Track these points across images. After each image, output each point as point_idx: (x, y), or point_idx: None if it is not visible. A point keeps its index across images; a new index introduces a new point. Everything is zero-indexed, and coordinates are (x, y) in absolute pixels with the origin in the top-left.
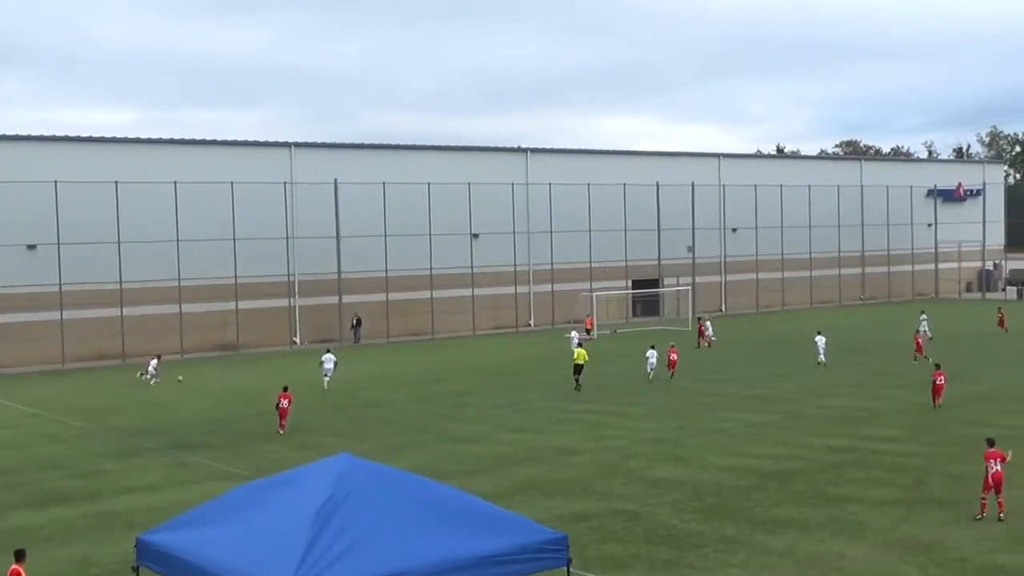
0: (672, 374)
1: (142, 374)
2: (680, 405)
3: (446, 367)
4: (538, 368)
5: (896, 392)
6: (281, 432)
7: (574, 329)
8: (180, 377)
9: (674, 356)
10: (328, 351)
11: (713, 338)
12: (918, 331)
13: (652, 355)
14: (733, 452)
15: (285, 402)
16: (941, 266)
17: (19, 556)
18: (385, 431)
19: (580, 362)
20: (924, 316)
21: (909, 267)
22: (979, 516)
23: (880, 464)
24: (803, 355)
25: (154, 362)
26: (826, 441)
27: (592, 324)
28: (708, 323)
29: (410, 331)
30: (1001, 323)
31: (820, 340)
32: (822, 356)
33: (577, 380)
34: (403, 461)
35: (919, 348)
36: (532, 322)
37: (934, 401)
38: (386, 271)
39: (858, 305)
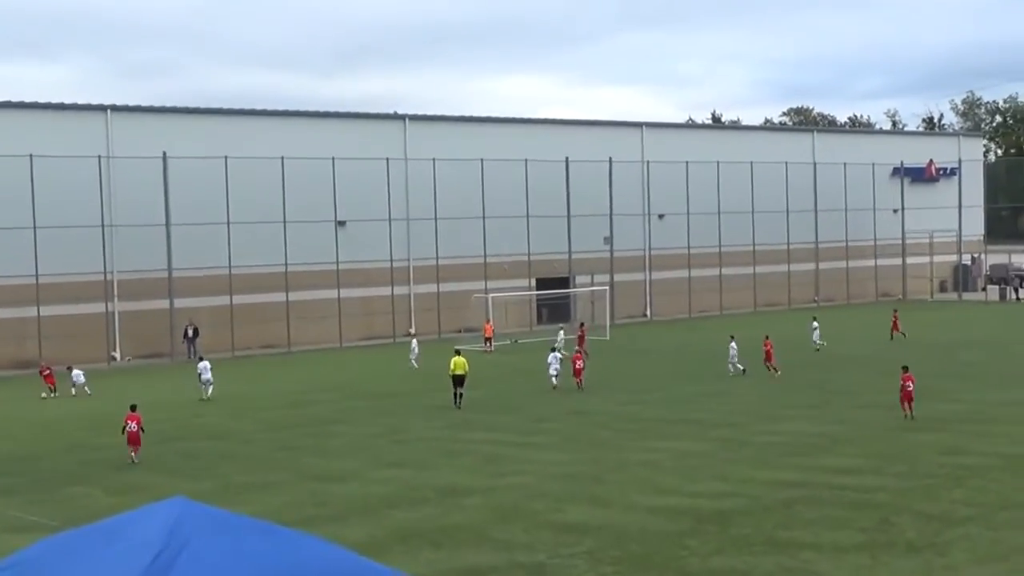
0: (579, 383)
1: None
2: (596, 432)
3: (306, 387)
4: (421, 388)
5: (858, 414)
6: (134, 461)
7: (415, 339)
8: (87, 390)
9: (579, 364)
10: (202, 358)
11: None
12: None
13: (554, 359)
14: (662, 489)
15: (134, 424)
16: (910, 261)
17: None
18: (229, 468)
19: (459, 372)
20: (816, 325)
21: (871, 262)
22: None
23: (839, 501)
24: (751, 371)
25: (81, 375)
26: (774, 474)
27: (491, 331)
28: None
29: (261, 342)
30: (895, 327)
31: (733, 347)
32: (734, 362)
33: (458, 395)
34: (252, 505)
35: (769, 357)
36: (413, 331)
37: (905, 408)
38: (229, 268)
39: (811, 308)
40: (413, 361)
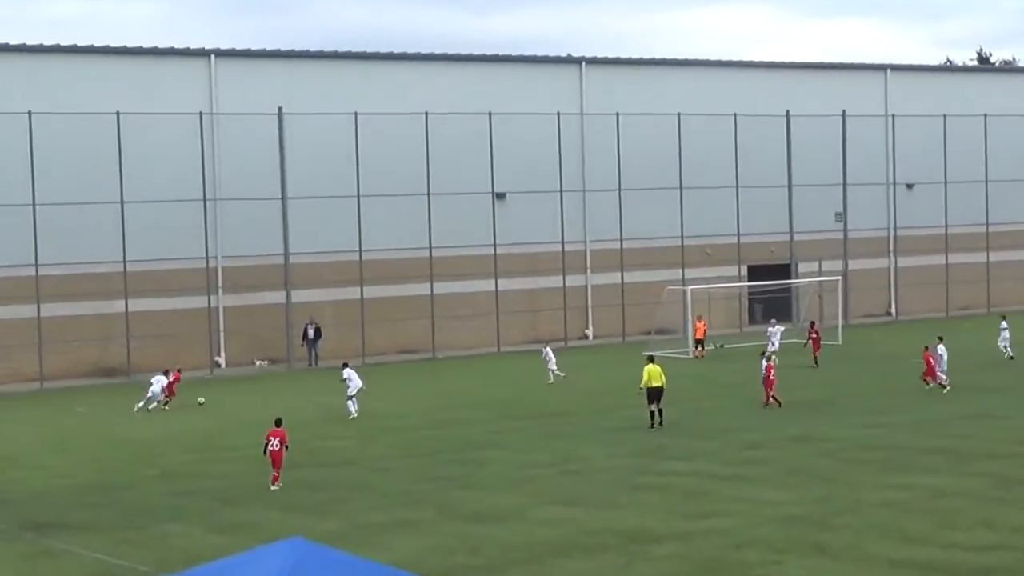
0: (771, 399)
1: (150, 403)
2: (824, 463)
3: (454, 402)
4: (598, 404)
5: None
6: (275, 487)
7: (549, 345)
8: (201, 399)
9: (771, 376)
10: (346, 364)
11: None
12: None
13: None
14: (908, 538)
15: (276, 442)
16: None
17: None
18: (358, 503)
19: (655, 384)
20: (1005, 325)
21: None
22: None
23: None
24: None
25: (162, 380)
26: None
27: (704, 332)
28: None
29: (397, 346)
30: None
31: (942, 350)
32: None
33: (657, 412)
34: (386, 550)
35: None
36: (590, 332)
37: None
38: (359, 252)
39: None
40: (552, 371)
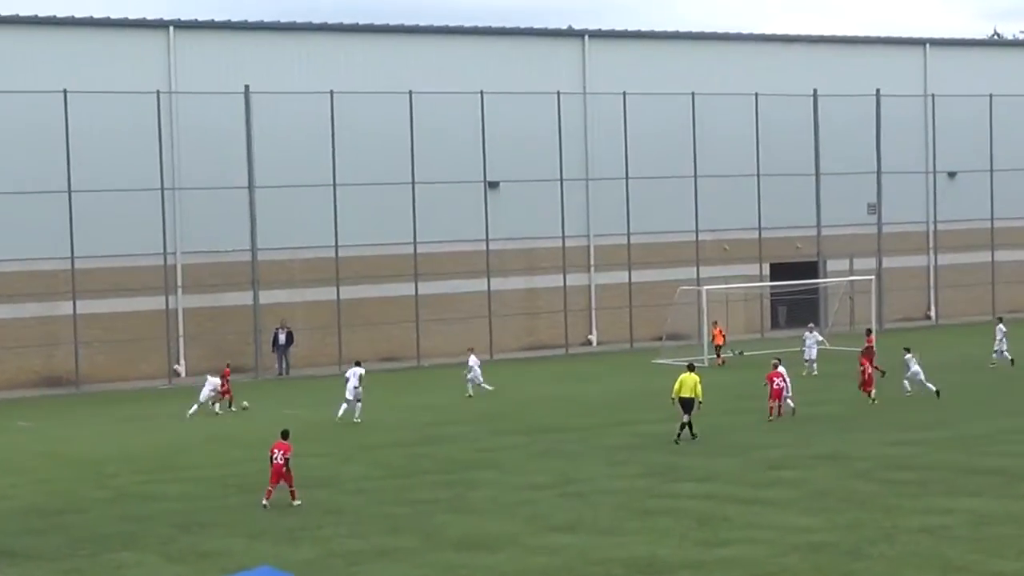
0: (778, 410)
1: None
2: (856, 485)
3: (441, 416)
4: (602, 419)
5: None
6: (265, 505)
7: (474, 353)
8: (245, 403)
9: (779, 383)
10: (359, 363)
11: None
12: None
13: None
14: (951, 567)
15: (280, 455)
16: None
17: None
18: (335, 529)
19: (688, 395)
20: (1003, 329)
21: None
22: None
23: None
24: None
25: (215, 382)
26: None
27: (723, 338)
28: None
29: (378, 353)
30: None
31: (910, 360)
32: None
33: (686, 426)
34: None
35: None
36: (594, 337)
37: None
38: (335, 248)
39: None
40: (471, 384)
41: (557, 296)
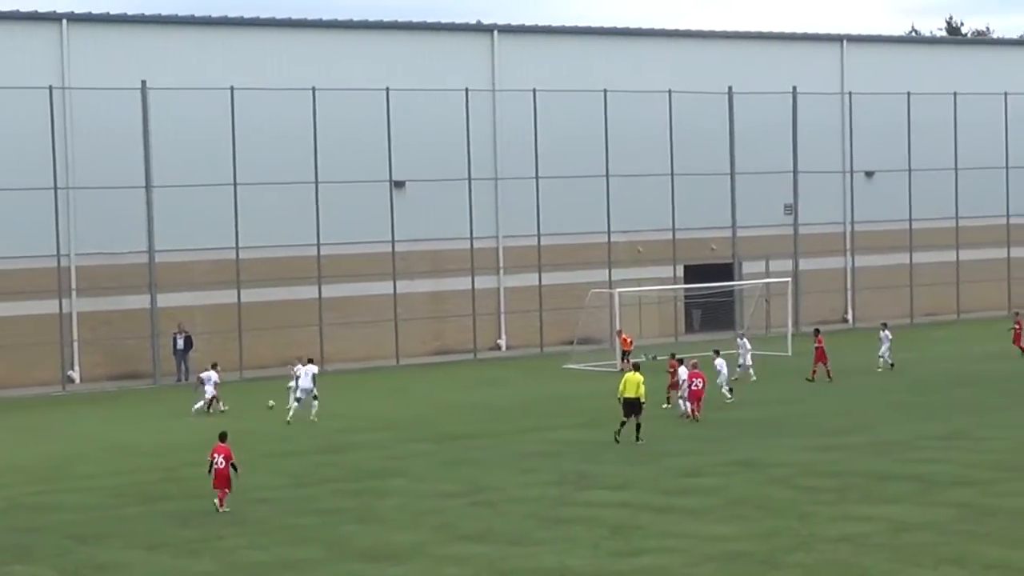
0: (694, 413)
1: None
2: (773, 492)
3: (346, 424)
4: (512, 426)
5: None
6: (221, 510)
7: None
8: (271, 402)
9: (699, 383)
10: (311, 360)
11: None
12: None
13: (721, 365)
14: None
15: (222, 459)
16: None
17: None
18: (237, 540)
19: (633, 395)
20: (887, 335)
21: None
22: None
23: None
24: (1004, 400)
25: (214, 376)
26: None
27: (630, 344)
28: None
29: (280, 358)
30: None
31: (720, 364)
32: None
33: (626, 425)
34: None
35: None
36: (503, 342)
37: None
38: (236, 249)
39: None
40: (294, 399)
41: (465, 299)
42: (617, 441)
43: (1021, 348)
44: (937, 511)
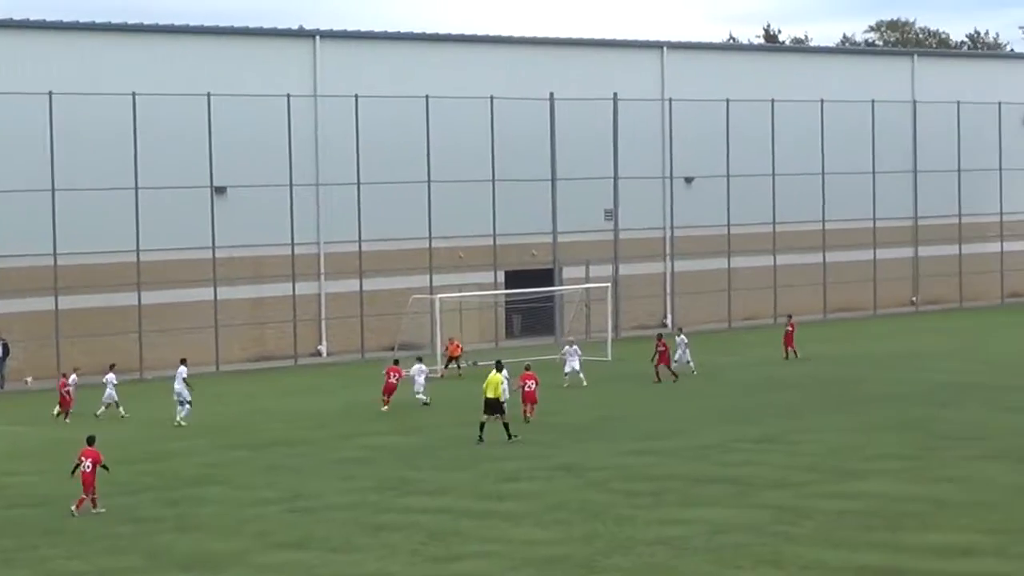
0: (528, 415)
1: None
2: (592, 496)
3: (165, 431)
4: (331, 432)
5: (975, 467)
6: (81, 512)
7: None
8: (99, 412)
9: (531, 384)
10: (185, 361)
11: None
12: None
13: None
14: None
15: (89, 463)
16: None
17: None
18: (53, 550)
19: (493, 395)
20: (685, 340)
21: (996, 247)
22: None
23: None
24: (817, 403)
25: (112, 379)
26: (851, 557)
27: (460, 350)
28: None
29: (99, 365)
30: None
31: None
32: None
33: (495, 425)
34: None
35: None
36: (323, 348)
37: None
38: (54, 255)
39: (909, 314)
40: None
41: (286, 305)
42: (481, 440)
43: (793, 350)
44: (754, 513)
